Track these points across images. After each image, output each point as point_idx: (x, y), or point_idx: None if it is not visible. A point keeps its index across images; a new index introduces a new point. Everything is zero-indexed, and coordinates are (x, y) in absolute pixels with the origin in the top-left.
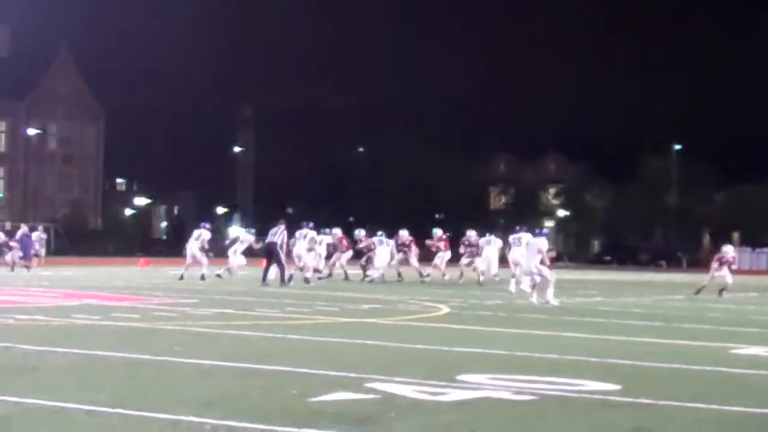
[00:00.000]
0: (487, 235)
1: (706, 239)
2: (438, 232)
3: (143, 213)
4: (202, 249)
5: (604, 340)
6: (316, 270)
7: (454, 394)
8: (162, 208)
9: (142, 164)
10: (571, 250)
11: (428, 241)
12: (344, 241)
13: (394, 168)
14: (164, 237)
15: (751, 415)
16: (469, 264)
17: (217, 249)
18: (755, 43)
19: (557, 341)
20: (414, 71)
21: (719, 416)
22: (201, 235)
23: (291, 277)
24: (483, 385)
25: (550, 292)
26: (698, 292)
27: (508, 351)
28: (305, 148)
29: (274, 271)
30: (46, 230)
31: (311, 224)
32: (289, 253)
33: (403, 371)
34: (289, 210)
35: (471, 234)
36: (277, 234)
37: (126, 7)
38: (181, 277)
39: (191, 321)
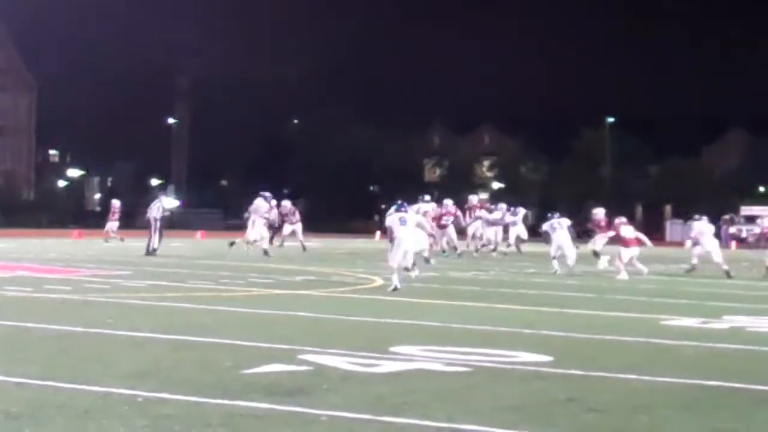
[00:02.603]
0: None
1: (639, 212)
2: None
3: (76, 185)
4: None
5: (538, 312)
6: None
7: (386, 366)
8: (96, 180)
9: (75, 136)
10: None
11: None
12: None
13: (331, 140)
14: (98, 209)
15: (682, 386)
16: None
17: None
18: (691, 14)
19: (491, 313)
20: (351, 42)
21: (651, 387)
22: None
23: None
24: (415, 357)
25: None
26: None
27: (442, 323)
28: (242, 121)
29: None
30: None
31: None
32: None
33: (336, 343)
34: (224, 182)
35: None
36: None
37: None
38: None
39: (124, 293)
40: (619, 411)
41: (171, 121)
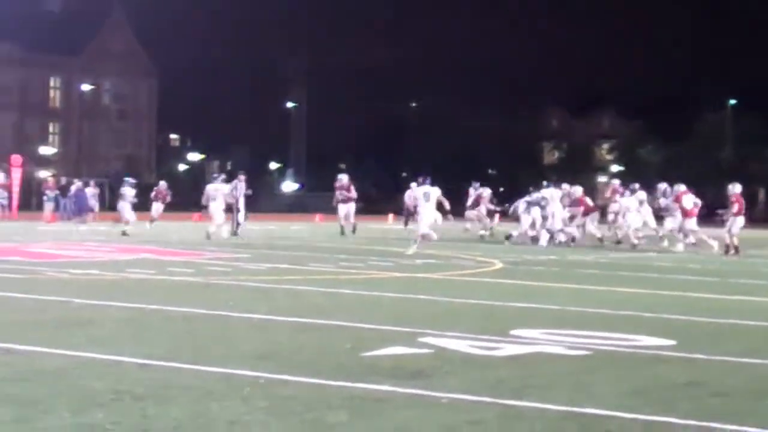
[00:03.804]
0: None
1: (761, 195)
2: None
3: (197, 168)
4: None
5: (659, 296)
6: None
7: (507, 349)
8: (215, 164)
9: (195, 120)
10: None
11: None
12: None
13: (449, 123)
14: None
15: None
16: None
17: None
18: None
19: (611, 296)
20: (467, 25)
21: None
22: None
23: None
24: (536, 340)
25: None
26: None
27: (562, 306)
28: (360, 104)
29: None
30: (100, 185)
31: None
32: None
33: (457, 326)
34: (342, 165)
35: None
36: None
37: None
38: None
39: (245, 276)
40: (743, 395)
41: (289, 104)
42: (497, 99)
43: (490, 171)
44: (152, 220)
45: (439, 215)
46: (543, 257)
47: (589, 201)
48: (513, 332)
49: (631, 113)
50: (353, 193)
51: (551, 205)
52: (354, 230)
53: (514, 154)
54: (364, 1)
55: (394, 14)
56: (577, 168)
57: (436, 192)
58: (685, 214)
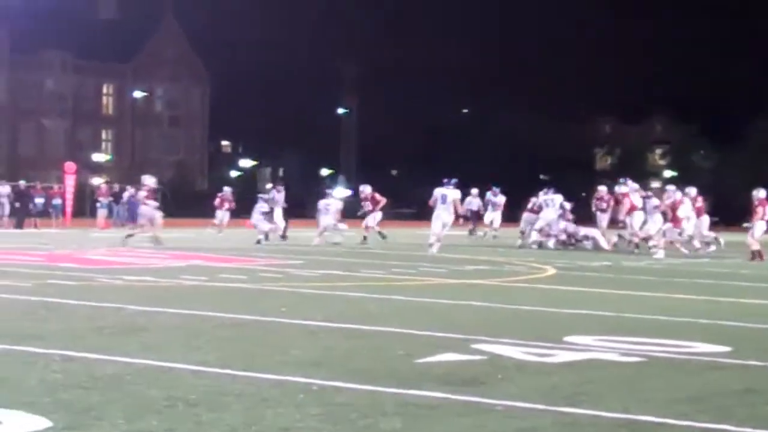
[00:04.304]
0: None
1: None
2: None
3: (249, 175)
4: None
5: (714, 302)
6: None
7: (561, 356)
8: (267, 170)
9: (247, 126)
10: None
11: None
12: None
13: (501, 129)
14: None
15: None
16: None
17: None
18: None
19: (665, 303)
20: (520, 31)
21: None
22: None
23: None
24: (590, 347)
25: None
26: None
27: (616, 312)
28: (411, 110)
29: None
30: None
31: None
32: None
33: (510, 332)
34: (393, 172)
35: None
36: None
37: None
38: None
39: (297, 282)
40: None
41: (340, 111)
42: (549, 105)
43: (541, 176)
44: (219, 228)
45: (451, 219)
46: (596, 263)
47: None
48: (567, 339)
49: (684, 118)
50: (379, 202)
51: (549, 211)
52: (365, 239)
53: (566, 160)
54: (416, 7)
55: (447, 20)
56: (630, 174)
57: (454, 195)
58: (675, 220)
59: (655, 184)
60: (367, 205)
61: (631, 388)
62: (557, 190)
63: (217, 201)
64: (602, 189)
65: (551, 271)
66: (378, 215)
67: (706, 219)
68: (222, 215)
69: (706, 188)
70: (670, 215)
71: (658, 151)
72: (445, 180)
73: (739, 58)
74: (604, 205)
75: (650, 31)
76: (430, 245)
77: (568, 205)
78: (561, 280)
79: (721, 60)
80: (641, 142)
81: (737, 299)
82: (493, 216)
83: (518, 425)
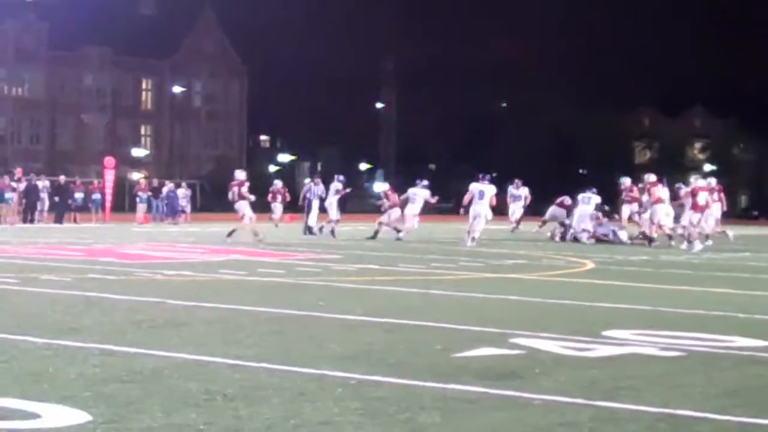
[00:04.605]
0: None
1: None
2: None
3: (287, 169)
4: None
5: (752, 296)
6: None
7: (599, 350)
8: (306, 165)
9: (285, 121)
10: None
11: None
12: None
13: (539, 123)
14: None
15: None
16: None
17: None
18: None
19: (704, 297)
20: (558, 25)
21: None
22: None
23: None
24: (629, 341)
25: None
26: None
27: (654, 307)
28: (449, 104)
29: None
30: (192, 187)
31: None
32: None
33: (548, 327)
34: (432, 166)
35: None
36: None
37: None
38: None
39: (335, 276)
40: None
41: (378, 105)
42: (588, 99)
43: (580, 171)
44: (276, 222)
45: (489, 213)
46: (635, 258)
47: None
48: (605, 333)
49: (724, 112)
50: (394, 200)
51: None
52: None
53: (606, 154)
54: (454, 1)
55: (484, 13)
56: (669, 168)
57: (490, 191)
58: (696, 208)
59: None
60: (385, 203)
61: (670, 383)
62: (599, 192)
63: (269, 195)
64: (626, 180)
65: (590, 265)
66: (394, 212)
67: (717, 209)
68: (277, 208)
69: (746, 182)
70: (690, 203)
71: (698, 145)
72: (481, 175)
73: None
74: (629, 197)
75: (688, 24)
76: (469, 239)
77: (601, 211)
78: (599, 275)
79: (759, 52)
80: (680, 136)
81: None
82: (514, 208)
83: (556, 420)
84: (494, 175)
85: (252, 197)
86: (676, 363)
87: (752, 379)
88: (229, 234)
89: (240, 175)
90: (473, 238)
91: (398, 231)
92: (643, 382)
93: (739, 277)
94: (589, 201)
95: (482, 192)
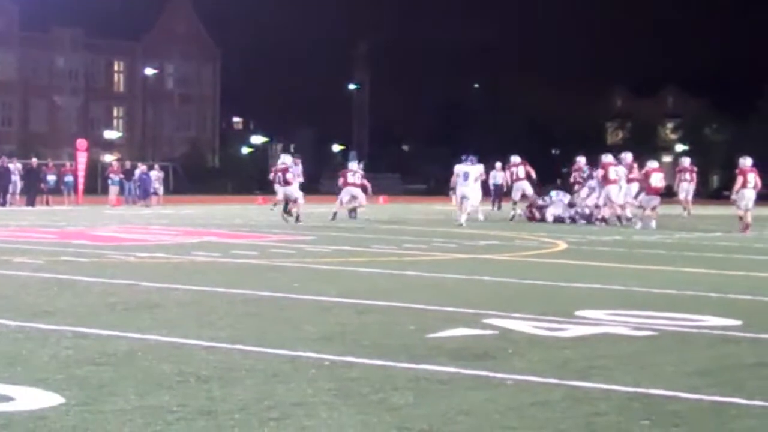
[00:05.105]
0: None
1: None
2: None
3: (260, 151)
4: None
5: (724, 276)
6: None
7: (572, 330)
8: (279, 146)
9: (258, 102)
10: None
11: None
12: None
13: (512, 104)
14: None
15: None
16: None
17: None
18: None
19: (676, 277)
20: (530, 6)
21: None
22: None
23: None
24: (601, 321)
25: None
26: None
27: (626, 287)
28: (422, 85)
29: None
30: (164, 169)
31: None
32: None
33: (521, 307)
34: (405, 147)
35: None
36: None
37: None
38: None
39: (309, 258)
40: None
41: (351, 86)
42: (560, 79)
43: (553, 151)
44: (275, 203)
45: (478, 194)
46: (607, 238)
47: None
48: (578, 313)
49: (696, 91)
50: (344, 181)
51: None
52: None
53: (578, 134)
54: None
55: None
56: (641, 148)
57: (475, 171)
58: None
59: (667, 159)
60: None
61: (643, 362)
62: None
63: (271, 175)
64: (627, 155)
65: (562, 245)
66: (347, 192)
67: (634, 187)
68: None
69: (719, 162)
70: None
71: (670, 125)
72: (464, 156)
73: (751, 29)
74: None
75: (662, 3)
76: (462, 217)
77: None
78: (572, 255)
79: (732, 32)
80: (653, 116)
81: (748, 273)
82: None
83: (529, 399)
84: (473, 156)
85: (299, 179)
86: (649, 342)
87: (724, 359)
88: (288, 213)
89: (286, 159)
90: (469, 213)
91: (353, 211)
92: (616, 361)
93: (711, 257)
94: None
95: (467, 173)
